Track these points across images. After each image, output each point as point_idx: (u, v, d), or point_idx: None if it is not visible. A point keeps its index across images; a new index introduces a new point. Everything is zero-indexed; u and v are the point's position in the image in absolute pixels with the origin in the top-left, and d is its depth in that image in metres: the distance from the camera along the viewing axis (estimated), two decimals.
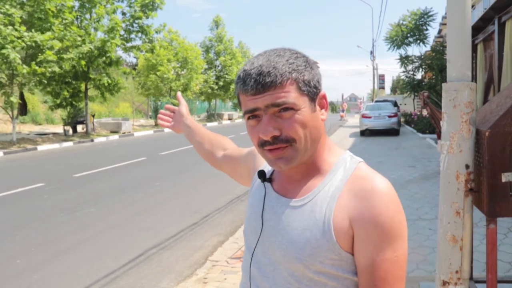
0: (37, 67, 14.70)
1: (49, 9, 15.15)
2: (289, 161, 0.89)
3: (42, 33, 14.80)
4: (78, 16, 19.06)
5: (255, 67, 0.87)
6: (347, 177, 0.90)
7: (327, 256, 0.87)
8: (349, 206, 0.87)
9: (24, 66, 14.53)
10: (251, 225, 1.01)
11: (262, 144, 0.89)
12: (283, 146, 0.87)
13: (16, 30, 14.14)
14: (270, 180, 1.01)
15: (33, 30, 14.86)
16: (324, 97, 0.94)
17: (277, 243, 0.92)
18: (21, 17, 14.49)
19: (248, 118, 0.90)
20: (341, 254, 0.87)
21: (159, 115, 1.61)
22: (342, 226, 0.86)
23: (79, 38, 17.10)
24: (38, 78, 16.10)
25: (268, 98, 0.86)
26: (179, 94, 1.61)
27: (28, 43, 14.46)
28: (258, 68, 0.86)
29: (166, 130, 25.34)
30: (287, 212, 0.93)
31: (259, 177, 1.01)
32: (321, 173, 0.94)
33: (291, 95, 0.86)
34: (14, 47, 14.03)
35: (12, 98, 15.14)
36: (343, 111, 39.05)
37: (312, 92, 0.90)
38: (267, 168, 1.06)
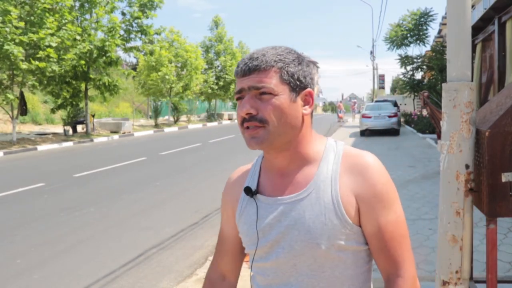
0: (37, 62, 14.67)
1: (45, 7, 15.12)
2: (261, 141, 0.96)
3: (39, 30, 14.76)
4: (78, 16, 19.04)
5: (250, 54, 0.99)
6: (339, 159, 1.00)
7: (342, 233, 0.95)
8: (349, 182, 0.97)
9: (25, 63, 14.51)
10: (252, 239, 1.04)
11: (242, 122, 0.97)
12: (257, 125, 0.95)
13: (15, 28, 14.14)
14: (257, 192, 1.05)
15: (28, 25, 14.83)
16: (309, 94, 1.00)
17: (294, 238, 0.97)
18: (19, 16, 14.47)
19: (237, 99, 0.99)
20: (353, 228, 0.96)
21: None
22: (349, 202, 0.96)
23: (78, 37, 17.08)
24: (38, 77, 16.07)
25: (252, 80, 0.95)
26: None
27: (27, 41, 14.45)
28: (251, 54, 0.98)
29: (166, 130, 25.34)
30: (294, 206, 0.98)
31: (247, 194, 1.04)
32: (312, 162, 1.01)
33: (272, 81, 0.95)
34: (16, 43, 14.04)
35: (9, 95, 15.11)
36: (341, 111, 34.54)
37: (295, 84, 0.97)
38: (251, 184, 1.07)
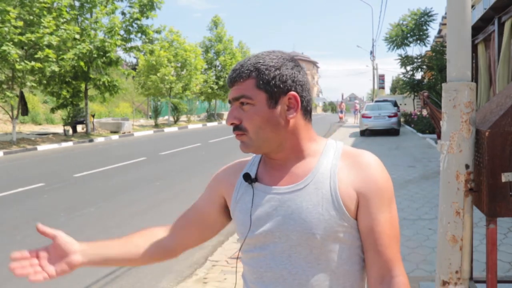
0: (33, 63, 14.65)
1: (43, 6, 15.09)
2: (246, 146, 1.02)
3: (37, 29, 14.74)
4: (78, 16, 19.03)
5: (235, 64, 1.03)
6: (339, 156, 1.03)
7: (339, 225, 0.97)
8: (350, 177, 0.99)
9: (22, 63, 14.49)
10: (246, 228, 1.05)
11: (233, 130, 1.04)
12: (240, 133, 1.01)
13: (14, 27, 14.12)
14: (256, 180, 1.07)
15: (27, 25, 14.82)
16: (293, 97, 1.00)
17: (290, 228, 0.98)
18: (18, 15, 14.45)
19: None
20: (349, 221, 0.98)
21: (13, 265, 1.10)
22: (348, 195, 0.97)
23: (77, 36, 17.06)
24: (38, 77, 16.06)
25: (234, 92, 1.01)
26: (40, 227, 1.15)
27: (25, 41, 14.44)
28: (234, 66, 1.03)
29: (166, 130, 25.31)
30: (291, 197, 1.00)
31: (246, 180, 1.06)
32: (310, 158, 1.04)
33: (248, 91, 0.99)
34: (15, 43, 14.02)
35: (8, 93, 15.09)
36: (341, 112, 34.88)
37: (271, 91, 0.99)
38: (250, 172, 1.10)
